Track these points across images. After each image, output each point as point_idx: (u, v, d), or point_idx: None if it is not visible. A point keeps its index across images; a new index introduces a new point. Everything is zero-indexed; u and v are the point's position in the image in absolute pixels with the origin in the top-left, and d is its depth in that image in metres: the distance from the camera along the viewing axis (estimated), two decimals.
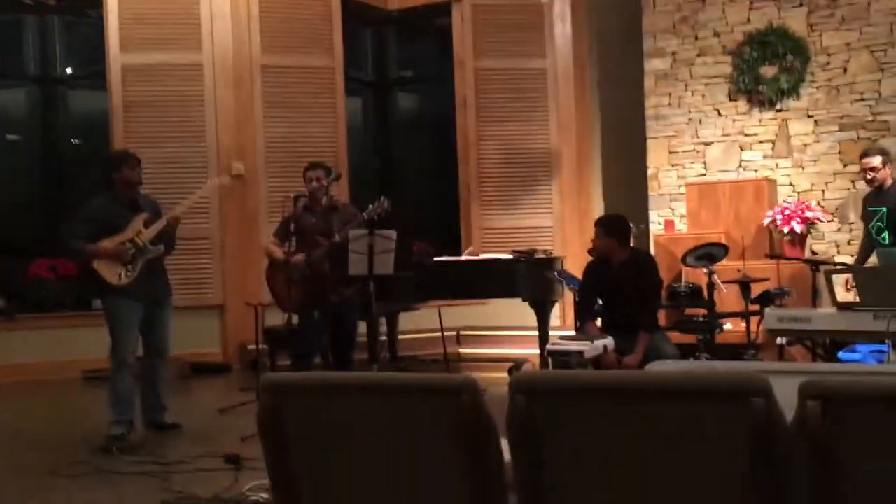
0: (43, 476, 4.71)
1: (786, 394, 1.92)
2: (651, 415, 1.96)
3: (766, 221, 8.17)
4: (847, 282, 6.02)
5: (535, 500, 2.07)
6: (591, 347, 5.14)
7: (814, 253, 8.18)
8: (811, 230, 8.16)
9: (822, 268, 6.55)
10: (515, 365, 7.38)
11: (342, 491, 2.23)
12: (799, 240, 8.06)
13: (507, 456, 2.12)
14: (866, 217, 6.51)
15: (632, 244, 5.99)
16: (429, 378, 2.21)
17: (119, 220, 5.39)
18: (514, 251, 7.34)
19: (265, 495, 3.92)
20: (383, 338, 7.85)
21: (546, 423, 2.02)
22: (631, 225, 6.04)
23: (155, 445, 5.28)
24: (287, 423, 2.19)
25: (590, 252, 7.55)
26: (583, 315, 5.91)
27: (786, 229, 8.02)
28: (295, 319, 5.89)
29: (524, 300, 7.07)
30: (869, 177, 6.38)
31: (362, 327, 6.39)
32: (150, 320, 5.47)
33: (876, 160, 6.33)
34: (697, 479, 1.93)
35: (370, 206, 5.87)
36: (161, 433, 5.57)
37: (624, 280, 5.63)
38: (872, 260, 6.36)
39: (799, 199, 8.30)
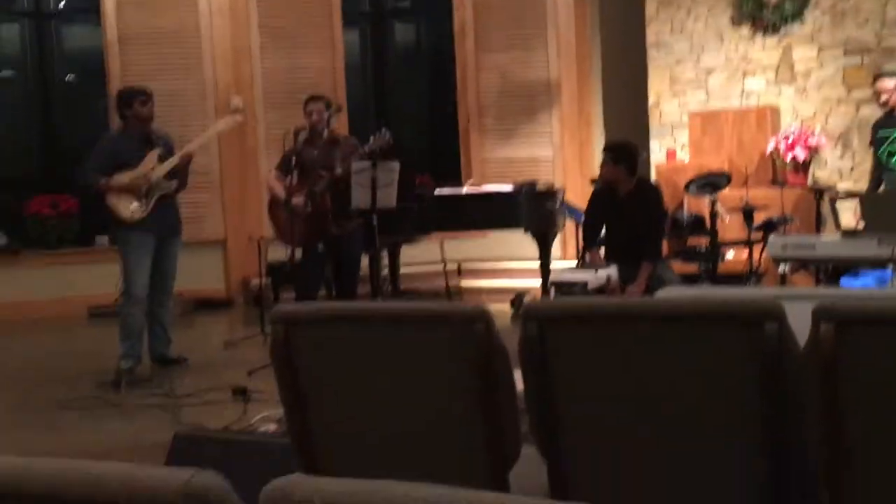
0: (54, 411, 4.76)
1: (793, 319, 1.93)
2: (663, 340, 1.96)
3: (769, 149, 8.12)
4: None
5: (549, 426, 2.08)
6: (594, 278, 5.15)
7: (817, 180, 8.15)
8: (814, 157, 8.12)
9: (826, 194, 6.54)
10: (517, 296, 7.43)
11: (355, 419, 2.25)
12: (802, 167, 8.03)
13: (519, 384, 2.14)
14: (876, 143, 6.46)
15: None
16: (441, 308, 2.21)
17: (132, 155, 5.45)
18: (515, 183, 7.32)
19: (273, 426, 3.97)
20: (385, 271, 7.86)
21: (558, 350, 2.03)
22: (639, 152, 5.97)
23: (162, 379, 5.33)
24: (299, 355, 2.20)
25: (592, 182, 7.53)
26: (586, 244, 5.91)
27: (789, 157, 7.98)
28: (298, 254, 5.89)
29: (525, 232, 7.07)
30: (882, 100, 6.32)
31: (364, 261, 6.40)
32: (160, 255, 5.53)
33: (891, 83, 6.26)
34: (709, 403, 1.95)
35: (371, 138, 5.82)
36: (167, 367, 5.62)
37: (629, 210, 5.61)
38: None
39: (802, 126, 8.24)
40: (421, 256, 8.32)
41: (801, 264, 5.58)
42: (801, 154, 7.93)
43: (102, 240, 8.52)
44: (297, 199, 5.75)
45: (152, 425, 4.36)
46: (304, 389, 2.23)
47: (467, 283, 8.69)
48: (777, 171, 8.14)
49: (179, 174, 5.54)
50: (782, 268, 5.81)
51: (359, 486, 0.85)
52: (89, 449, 4.06)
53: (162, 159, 5.46)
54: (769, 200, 7.05)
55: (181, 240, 5.76)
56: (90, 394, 5.03)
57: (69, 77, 9.40)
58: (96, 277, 8.11)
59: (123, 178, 5.38)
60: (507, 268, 8.65)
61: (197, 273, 7.98)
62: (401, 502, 0.81)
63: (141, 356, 5.46)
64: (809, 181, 7.99)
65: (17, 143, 9.25)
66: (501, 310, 7.25)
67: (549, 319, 2.03)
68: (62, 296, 8.13)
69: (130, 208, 5.36)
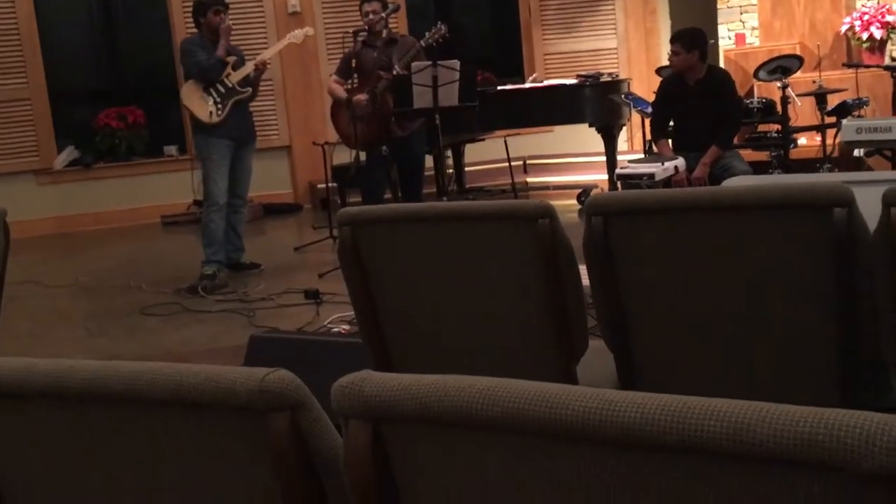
0: (135, 317, 4.93)
1: (867, 204, 1.88)
2: (730, 230, 1.94)
3: (844, 28, 7.80)
4: None
5: (615, 318, 2.10)
6: (661, 169, 5.08)
7: (894, 59, 7.83)
8: (891, 35, 7.78)
9: None
10: (584, 191, 7.38)
11: (424, 317, 2.29)
12: (878, 46, 7.71)
13: (585, 280, 2.15)
14: None
15: None
16: (505, 204, 2.21)
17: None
18: (579, 76, 7.18)
19: (346, 326, 4.06)
20: (450, 170, 7.85)
21: (623, 243, 2.02)
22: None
23: (237, 284, 5.46)
24: (367, 256, 2.23)
25: (658, 72, 7.35)
26: (655, 135, 5.80)
27: (864, 35, 7.67)
28: (363, 156, 5.91)
29: (591, 125, 6.97)
30: None
31: (429, 161, 6.39)
32: (235, 160, 5.64)
33: None
34: (779, 290, 1.93)
35: (426, 33, 5.78)
36: (241, 273, 5.75)
37: (699, 99, 5.46)
38: None
39: (879, 3, 7.88)
40: (486, 154, 8.28)
41: (876, 148, 5.42)
42: (877, 32, 7.61)
43: (171, 150, 8.67)
44: (359, 97, 5.75)
45: (229, 329, 4.50)
46: (373, 290, 2.27)
47: (533, 179, 8.65)
48: (852, 52, 7.84)
49: (253, 82, 5.65)
50: (857, 152, 5.66)
51: (427, 379, 0.87)
52: (170, 352, 4.21)
53: (236, 66, 5.59)
54: (843, 83, 6.82)
55: (255, 148, 5.88)
56: (169, 300, 5.19)
57: None
58: (167, 186, 8.30)
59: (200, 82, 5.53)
60: (573, 162, 8.57)
61: (265, 179, 8.08)
62: (467, 393, 0.83)
63: (223, 261, 5.60)
64: (886, 60, 7.68)
65: (83, 56, 9.35)
66: (568, 205, 7.22)
67: (614, 213, 2.02)
68: (135, 206, 8.34)
69: (208, 110, 5.49)
